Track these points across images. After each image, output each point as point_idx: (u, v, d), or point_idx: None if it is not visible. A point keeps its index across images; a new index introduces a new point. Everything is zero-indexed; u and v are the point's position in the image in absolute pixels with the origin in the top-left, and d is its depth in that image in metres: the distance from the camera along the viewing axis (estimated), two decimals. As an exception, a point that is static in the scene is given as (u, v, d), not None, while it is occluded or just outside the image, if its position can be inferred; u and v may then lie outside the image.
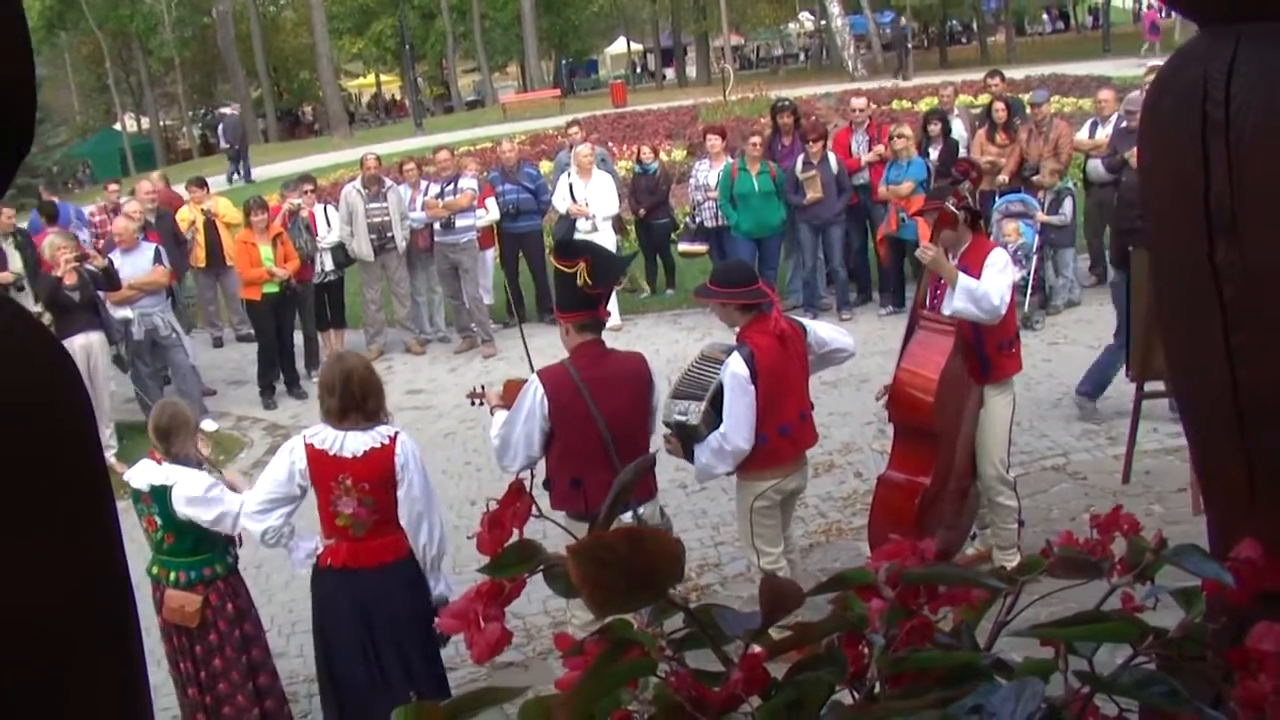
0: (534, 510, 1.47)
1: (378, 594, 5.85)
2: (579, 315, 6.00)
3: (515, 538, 1.46)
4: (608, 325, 14.05)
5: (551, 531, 1.58)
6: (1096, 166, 13.19)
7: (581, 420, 5.91)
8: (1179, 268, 1.52)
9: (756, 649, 1.33)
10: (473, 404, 6.87)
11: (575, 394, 5.90)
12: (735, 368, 6.30)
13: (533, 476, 1.42)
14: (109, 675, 1.33)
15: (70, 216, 19.40)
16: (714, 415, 6.40)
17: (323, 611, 6.04)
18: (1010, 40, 53.17)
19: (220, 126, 37.84)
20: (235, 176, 35.69)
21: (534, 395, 5.93)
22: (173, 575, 6.13)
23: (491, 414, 6.45)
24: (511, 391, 6.29)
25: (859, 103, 14.97)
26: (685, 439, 6.48)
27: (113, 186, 14.49)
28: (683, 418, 6.41)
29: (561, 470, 6.05)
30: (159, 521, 6.08)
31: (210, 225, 15.28)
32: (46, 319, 11.26)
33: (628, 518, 5.84)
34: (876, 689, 1.31)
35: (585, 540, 1.25)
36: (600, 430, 5.89)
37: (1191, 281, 1.48)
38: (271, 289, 13.04)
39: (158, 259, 12.40)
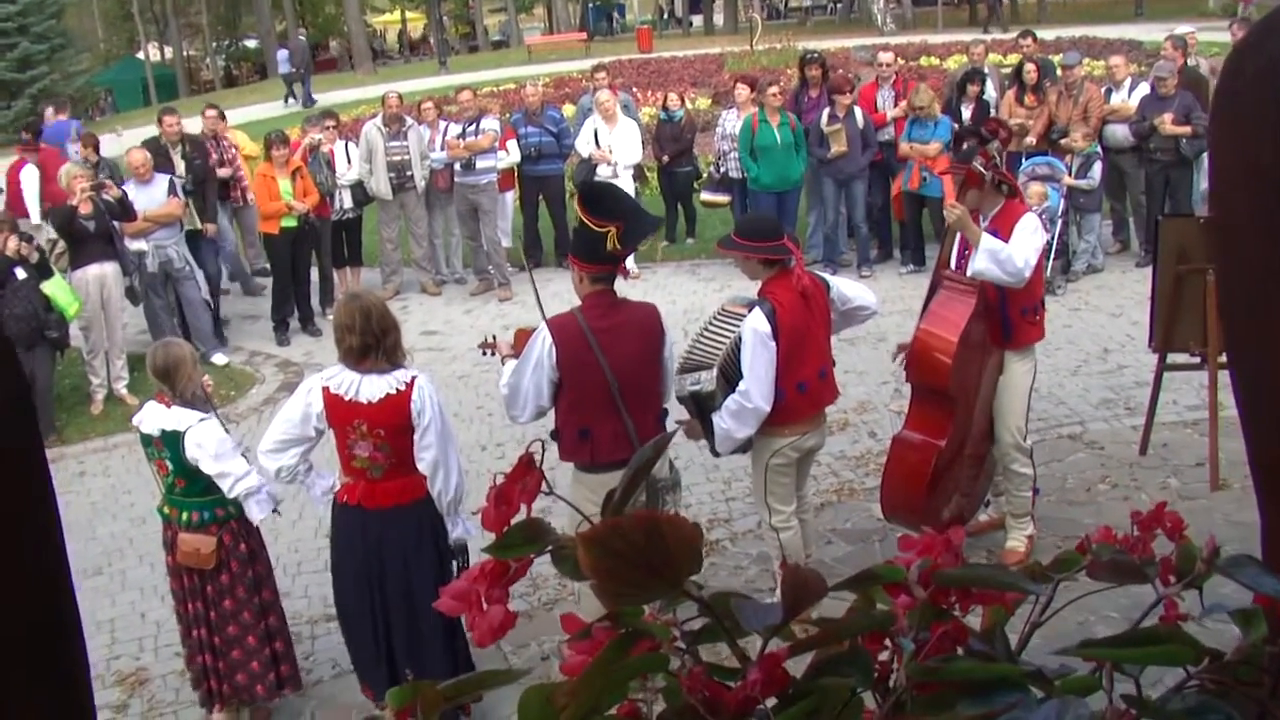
0: (544, 487, 1.39)
1: (392, 533, 5.84)
2: (597, 268, 5.89)
3: (523, 515, 1.39)
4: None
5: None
6: (1115, 132, 13.06)
7: (589, 371, 5.82)
8: (1250, 250, 1.42)
9: (776, 646, 1.25)
10: (484, 354, 6.77)
11: (583, 344, 5.80)
12: (756, 323, 6.19)
13: (544, 450, 1.33)
14: (41, 679, 1.26)
15: (69, 131, 19.83)
16: (725, 384, 6.31)
17: (338, 547, 6.06)
18: (1042, -1, 52.55)
19: (286, 52, 38.08)
20: (292, 100, 35.75)
21: (542, 345, 5.84)
22: (184, 515, 6.07)
23: (502, 364, 6.36)
24: (522, 340, 6.18)
25: (886, 57, 14.73)
26: (702, 410, 6.38)
27: (169, 119, 14.17)
28: (696, 387, 6.30)
29: (570, 421, 5.97)
30: (170, 466, 6.01)
31: (228, 158, 15.15)
32: (60, 248, 11.20)
33: None
34: (903, 697, 1.23)
35: (598, 527, 1.16)
36: (608, 381, 5.80)
37: (1264, 266, 1.38)
38: (290, 224, 12.93)
39: (172, 191, 12.27)
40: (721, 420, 6.29)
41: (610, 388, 5.80)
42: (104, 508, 9.45)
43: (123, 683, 7.03)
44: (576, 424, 5.93)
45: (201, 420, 5.98)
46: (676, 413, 6.57)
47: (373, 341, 5.66)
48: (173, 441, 5.94)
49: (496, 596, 1.37)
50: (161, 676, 7.02)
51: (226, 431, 6.18)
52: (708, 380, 6.26)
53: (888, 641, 1.31)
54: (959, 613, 1.33)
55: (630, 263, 14.36)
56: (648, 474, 1.37)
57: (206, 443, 5.92)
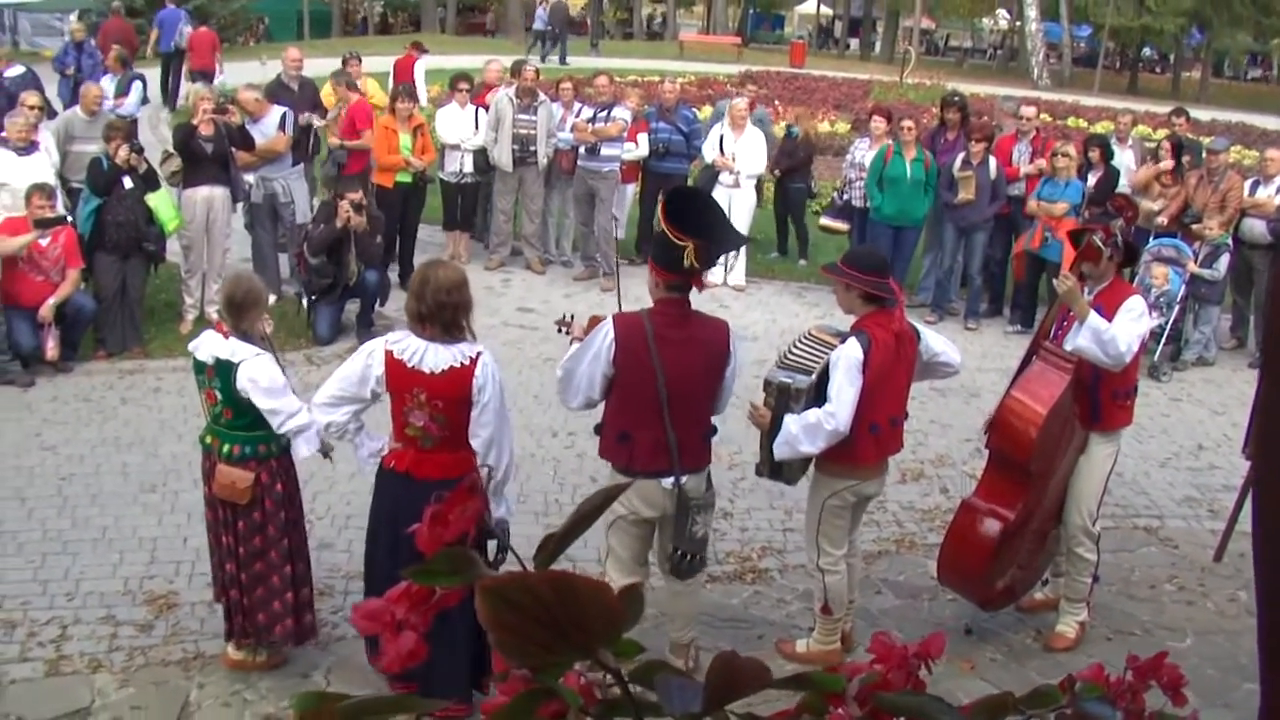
0: (487, 518, 1.28)
1: None
2: (672, 277, 5.80)
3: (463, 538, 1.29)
4: (730, 284, 13.92)
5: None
6: (1253, 226, 12.66)
7: (643, 375, 5.76)
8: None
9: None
10: (558, 330, 6.74)
11: (643, 347, 5.73)
12: (851, 351, 6.08)
13: (490, 477, 1.22)
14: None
15: (180, 17, 24.44)
16: (814, 397, 6.20)
17: (377, 511, 6.03)
18: (1205, 78, 51.67)
19: (547, 9, 39.39)
20: (549, 58, 36.27)
21: (603, 338, 5.80)
22: (226, 447, 6.03)
23: (570, 345, 6.31)
24: (594, 326, 6.15)
25: (1028, 111, 14.40)
26: (781, 404, 6.26)
27: (292, 53, 14.10)
28: (789, 380, 6.20)
29: (614, 421, 5.94)
30: (219, 396, 5.98)
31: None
32: (176, 164, 11.27)
33: (668, 483, 5.86)
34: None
35: (502, 578, 1.05)
36: (659, 390, 5.73)
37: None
38: (404, 179, 12.95)
39: (282, 125, 12.35)
40: (792, 425, 6.15)
41: (659, 396, 5.74)
42: (171, 426, 9.49)
43: (152, 603, 7.03)
44: (620, 425, 5.90)
45: (257, 355, 5.94)
46: (749, 434, 6.44)
47: (427, 312, 5.61)
48: (225, 372, 5.91)
49: (413, 623, 1.27)
50: (190, 604, 7.01)
51: (282, 370, 6.14)
52: (803, 381, 6.16)
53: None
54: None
55: (740, 276, 14.27)
56: (593, 522, 1.26)
57: (260, 377, 5.89)
